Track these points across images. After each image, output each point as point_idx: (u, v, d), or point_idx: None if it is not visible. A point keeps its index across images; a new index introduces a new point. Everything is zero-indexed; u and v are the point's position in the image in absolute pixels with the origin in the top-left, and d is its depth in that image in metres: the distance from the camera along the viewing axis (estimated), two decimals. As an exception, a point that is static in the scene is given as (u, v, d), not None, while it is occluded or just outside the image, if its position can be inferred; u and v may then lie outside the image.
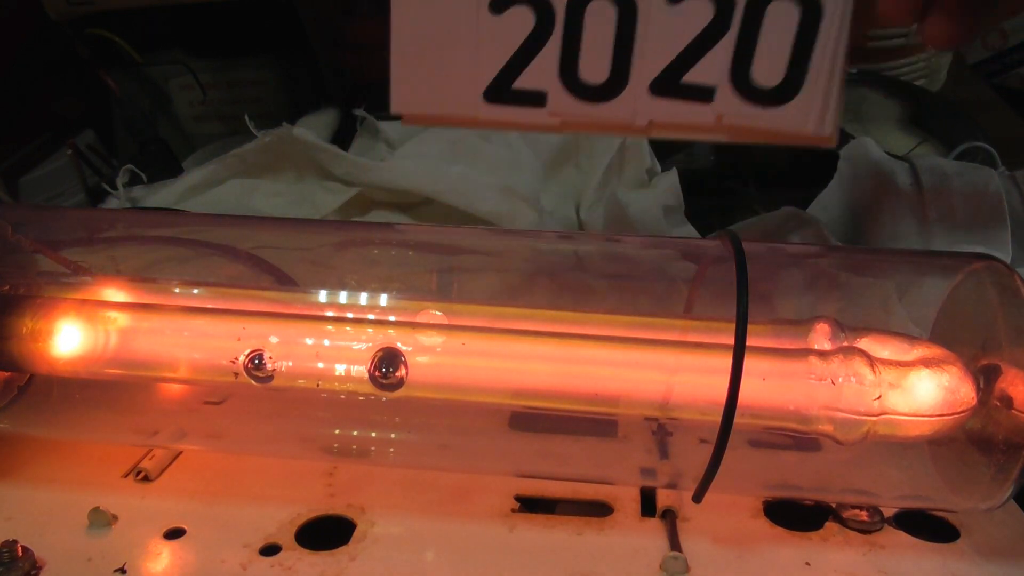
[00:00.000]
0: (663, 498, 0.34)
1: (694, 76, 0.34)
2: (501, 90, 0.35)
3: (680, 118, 0.34)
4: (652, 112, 0.35)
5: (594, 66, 0.35)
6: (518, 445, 0.36)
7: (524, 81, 0.35)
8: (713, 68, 0.34)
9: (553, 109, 0.35)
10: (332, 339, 0.33)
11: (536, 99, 0.35)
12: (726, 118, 0.34)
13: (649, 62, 0.34)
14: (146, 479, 0.36)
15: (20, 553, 0.30)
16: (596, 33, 0.35)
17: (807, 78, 0.32)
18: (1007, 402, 0.30)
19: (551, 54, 0.35)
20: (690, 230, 0.57)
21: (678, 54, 0.34)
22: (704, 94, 0.34)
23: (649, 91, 0.34)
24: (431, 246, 0.41)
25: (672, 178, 0.58)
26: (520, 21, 0.35)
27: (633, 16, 0.34)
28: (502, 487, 0.35)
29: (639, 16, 0.34)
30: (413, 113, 0.36)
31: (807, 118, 0.32)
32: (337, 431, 0.37)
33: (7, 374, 0.36)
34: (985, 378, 0.31)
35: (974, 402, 0.30)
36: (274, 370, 0.33)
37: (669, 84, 0.34)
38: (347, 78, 0.69)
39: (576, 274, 0.41)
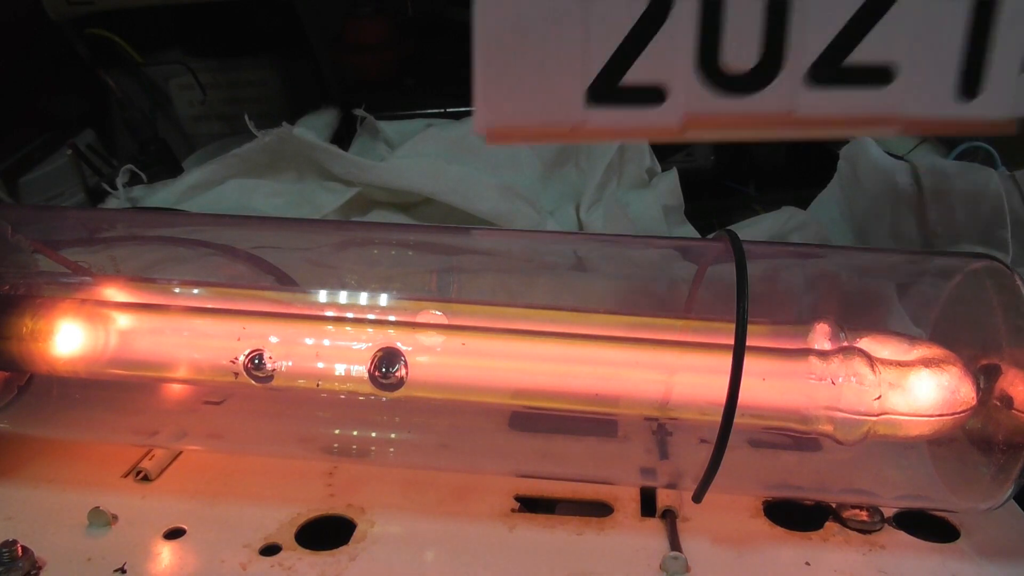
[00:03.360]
0: (663, 498, 0.34)
1: (864, 55, 0.27)
2: (609, 87, 0.28)
3: (848, 109, 0.27)
4: (812, 104, 0.27)
5: (737, 50, 0.27)
6: (518, 445, 0.36)
7: (639, 73, 0.27)
8: (889, 42, 0.26)
9: (679, 105, 0.27)
10: (332, 339, 0.33)
11: (654, 96, 0.28)
12: (904, 108, 0.27)
13: (808, 40, 0.27)
14: (146, 479, 0.36)
15: (20, 553, 0.30)
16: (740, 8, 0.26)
17: (993, 59, 0.26)
18: (1007, 402, 0.30)
19: (677, 35, 0.27)
20: (690, 230, 0.57)
21: (843, 27, 0.26)
22: (879, 77, 0.27)
23: (809, 77, 0.27)
24: (431, 246, 0.41)
25: (672, 178, 0.58)
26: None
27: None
28: (502, 487, 0.35)
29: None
30: (500, 128, 0.28)
31: (997, 106, 0.27)
32: (337, 431, 0.37)
33: (7, 374, 0.36)
34: (985, 378, 0.31)
35: (974, 402, 0.30)
36: (274, 370, 0.33)
37: (832, 68, 0.27)
38: (347, 78, 0.69)
39: (576, 274, 0.41)
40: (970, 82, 0.27)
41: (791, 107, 0.28)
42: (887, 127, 0.27)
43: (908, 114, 0.27)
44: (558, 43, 0.28)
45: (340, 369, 0.33)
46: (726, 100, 0.27)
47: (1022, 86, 0.27)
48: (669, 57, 0.27)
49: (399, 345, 0.32)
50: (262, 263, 0.39)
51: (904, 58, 0.27)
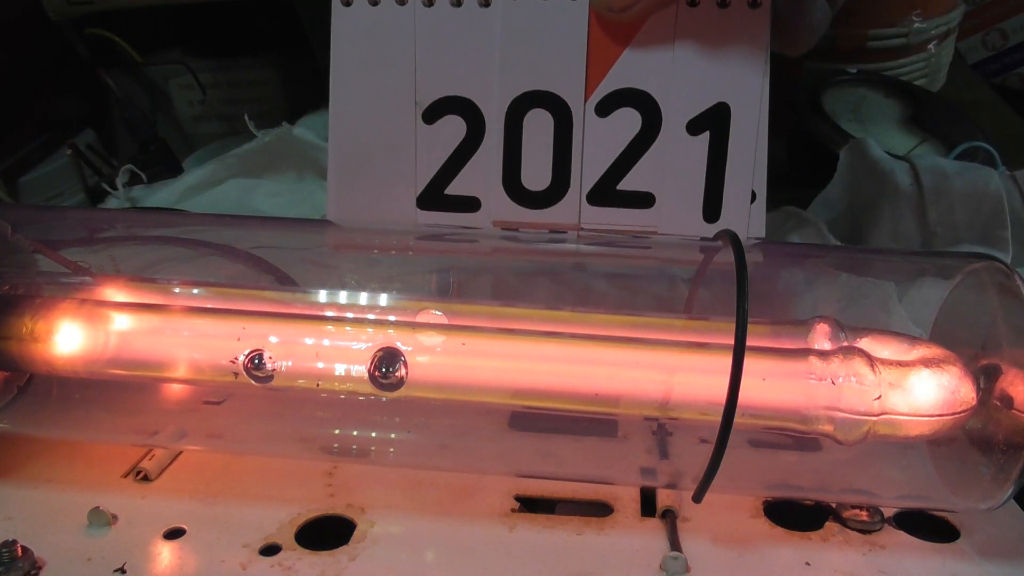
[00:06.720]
0: (663, 498, 0.34)
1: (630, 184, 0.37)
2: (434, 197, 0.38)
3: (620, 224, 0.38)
4: (591, 218, 0.38)
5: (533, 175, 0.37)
6: (518, 445, 0.36)
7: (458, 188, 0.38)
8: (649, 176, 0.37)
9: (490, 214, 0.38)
10: (332, 339, 0.33)
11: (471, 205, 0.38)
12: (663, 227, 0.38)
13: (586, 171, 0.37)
14: (146, 479, 0.36)
15: (20, 553, 0.30)
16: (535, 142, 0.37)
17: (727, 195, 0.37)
18: (1007, 402, 0.30)
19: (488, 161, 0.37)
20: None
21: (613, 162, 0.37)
22: (643, 201, 0.38)
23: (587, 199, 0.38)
24: (431, 246, 0.41)
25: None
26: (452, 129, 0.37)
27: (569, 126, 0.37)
28: (502, 487, 0.35)
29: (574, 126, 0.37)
30: (349, 219, 0.39)
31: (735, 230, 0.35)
32: (337, 431, 0.37)
33: (7, 374, 0.36)
34: (985, 378, 0.31)
35: (974, 402, 0.30)
36: (274, 370, 0.33)
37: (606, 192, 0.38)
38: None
39: (576, 274, 0.41)
40: (712, 210, 0.38)
41: (577, 220, 0.38)
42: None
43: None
44: (396, 162, 0.38)
45: (340, 369, 0.33)
46: (526, 211, 0.38)
47: (752, 216, 0.38)
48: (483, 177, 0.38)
49: (399, 345, 0.32)
50: (262, 263, 0.39)
51: (660, 189, 0.38)
